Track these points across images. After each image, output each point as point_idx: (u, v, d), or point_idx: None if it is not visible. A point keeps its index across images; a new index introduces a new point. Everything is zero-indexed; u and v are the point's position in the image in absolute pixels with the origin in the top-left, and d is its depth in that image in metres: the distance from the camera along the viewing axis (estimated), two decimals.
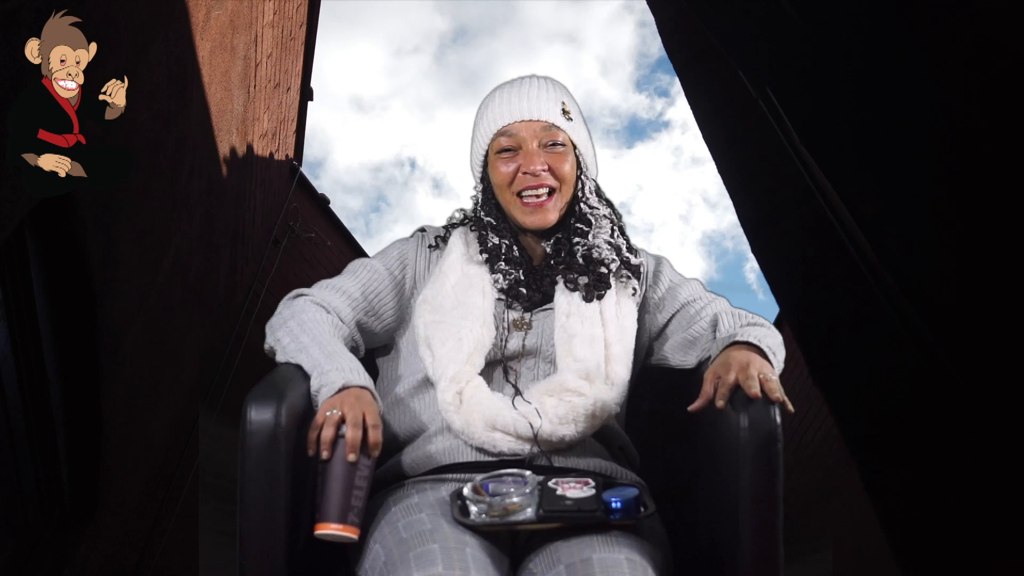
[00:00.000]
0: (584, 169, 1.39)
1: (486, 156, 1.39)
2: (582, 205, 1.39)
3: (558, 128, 1.35)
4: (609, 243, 1.38)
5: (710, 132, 4.07)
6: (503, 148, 1.36)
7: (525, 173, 1.34)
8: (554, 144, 1.35)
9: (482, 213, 1.41)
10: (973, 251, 2.32)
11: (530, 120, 1.34)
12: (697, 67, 3.97)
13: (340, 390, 1.15)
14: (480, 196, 1.43)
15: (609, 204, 1.44)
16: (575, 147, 1.38)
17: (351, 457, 1.11)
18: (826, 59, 2.67)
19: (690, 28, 3.72)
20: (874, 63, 2.43)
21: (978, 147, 2.17)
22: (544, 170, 1.34)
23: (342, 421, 1.12)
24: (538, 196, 1.34)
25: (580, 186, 1.39)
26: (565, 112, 1.37)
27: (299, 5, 4.83)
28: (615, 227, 1.42)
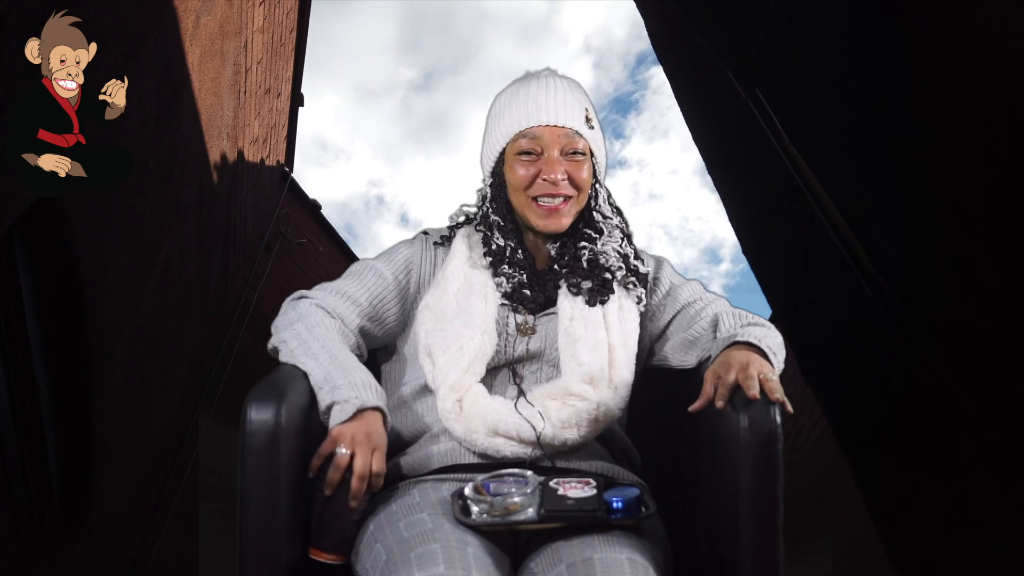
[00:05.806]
0: (599, 177, 1.38)
1: (502, 154, 1.36)
2: (594, 213, 1.38)
3: (580, 136, 1.33)
4: (617, 252, 1.38)
5: (700, 133, 4.08)
6: (524, 150, 1.33)
7: (544, 180, 1.32)
8: (575, 152, 1.33)
9: (490, 210, 1.39)
10: (963, 250, 2.32)
11: (554, 126, 1.32)
12: (687, 69, 3.98)
13: (353, 415, 1.15)
14: (489, 192, 1.40)
15: (619, 212, 1.43)
16: (592, 155, 1.36)
17: (353, 504, 1.13)
18: (815, 60, 2.68)
19: (679, 30, 3.72)
20: (864, 64, 2.44)
21: (967, 146, 2.17)
22: (564, 179, 1.32)
23: (350, 461, 1.12)
24: (554, 201, 1.32)
25: (594, 193, 1.38)
26: (588, 120, 1.35)
27: (289, 10, 4.82)
28: (624, 236, 1.41)
